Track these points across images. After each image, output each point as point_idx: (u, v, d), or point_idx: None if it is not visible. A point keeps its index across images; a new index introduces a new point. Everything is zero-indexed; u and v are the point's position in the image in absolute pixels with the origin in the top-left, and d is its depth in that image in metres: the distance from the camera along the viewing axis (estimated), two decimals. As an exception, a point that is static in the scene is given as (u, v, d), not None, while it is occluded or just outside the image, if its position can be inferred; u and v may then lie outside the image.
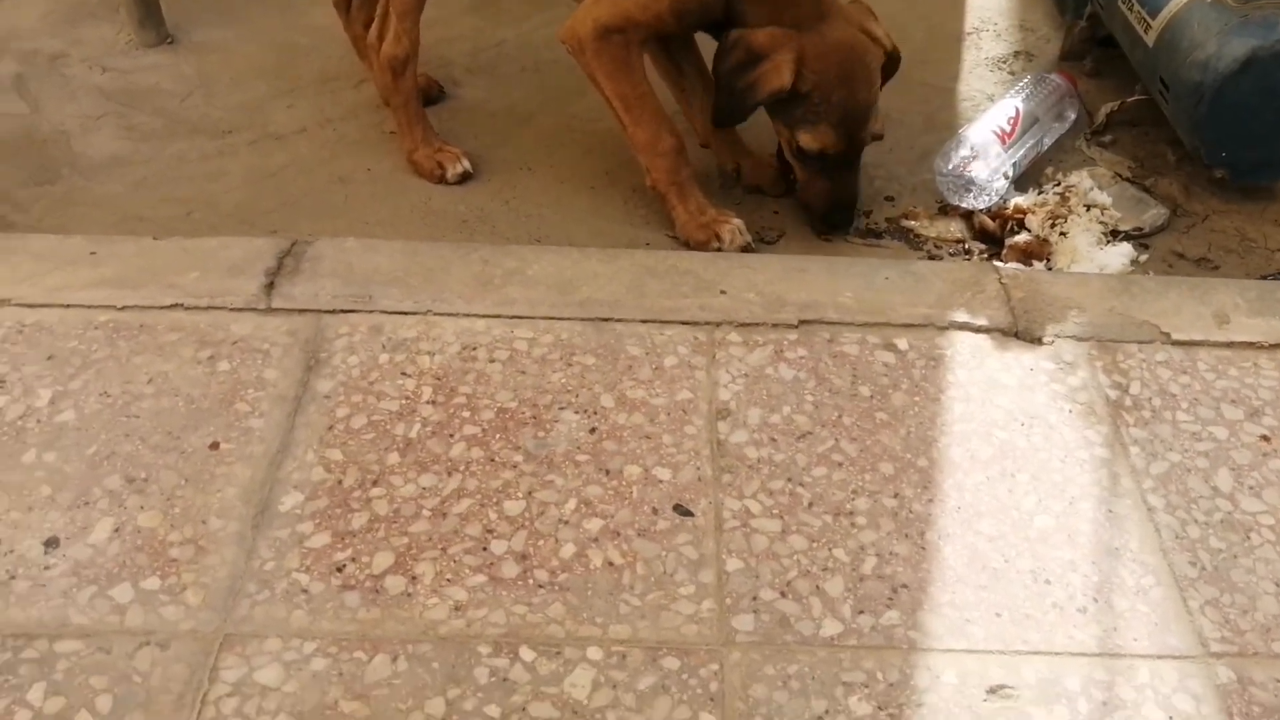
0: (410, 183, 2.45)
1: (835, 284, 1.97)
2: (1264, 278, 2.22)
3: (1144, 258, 2.32)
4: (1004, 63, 2.90)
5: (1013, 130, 2.43)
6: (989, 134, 2.39)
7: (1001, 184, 2.37)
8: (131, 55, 2.80)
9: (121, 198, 2.38)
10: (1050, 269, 2.26)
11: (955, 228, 2.37)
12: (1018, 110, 2.47)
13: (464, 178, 2.44)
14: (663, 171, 2.26)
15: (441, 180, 2.43)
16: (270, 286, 1.94)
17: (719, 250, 2.24)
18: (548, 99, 2.72)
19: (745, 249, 2.25)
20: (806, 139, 2.20)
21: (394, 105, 2.44)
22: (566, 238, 2.32)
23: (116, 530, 1.58)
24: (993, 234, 2.34)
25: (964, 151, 2.38)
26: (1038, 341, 1.89)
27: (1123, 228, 2.36)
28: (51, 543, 1.56)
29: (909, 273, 2.01)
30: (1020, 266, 2.24)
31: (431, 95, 2.64)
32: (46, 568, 1.52)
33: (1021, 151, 2.45)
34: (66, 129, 2.55)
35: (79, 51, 2.81)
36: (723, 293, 1.95)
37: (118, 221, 2.32)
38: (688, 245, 2.28)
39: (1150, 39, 2.47)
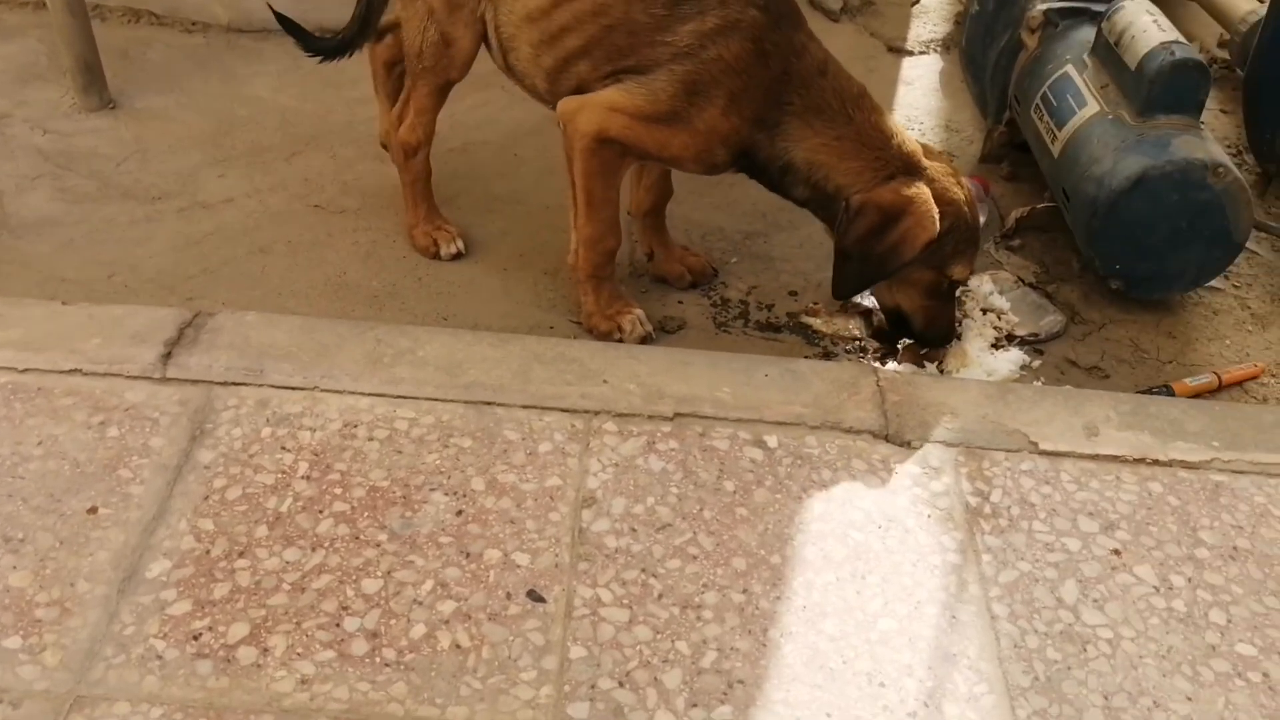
0: (326, 256, 2.52)
1: (716, 378, 2.03)
2: (1145, 391, 2.28)
3: (1037, 363, 2.38)
4: (925, 164, 2.98)
5: (917, 233, 2.50)
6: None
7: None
8: (73, 118, 2.88)
9: (48, 258, 2.44)
10: (942, 371, 2.31)
11: (854, 325, 2.43)
12: (924, 213, 2.54)
13: (456, 257, 2.52)
14: (591, 265, 2.32)
15: (435, 256, 2.52)
16: (168, 356, 1.99)
17: (620, 339, 2.31)
18: (472, 179, 2.79)
19: (645, 339, 2.32)
20: (961, 271, 2.21)
21: (403, 182, 2.53)
22: (474, 317, 2.38)
23: (-14, 589, 1.62)
24: (888, 329, 2.40)
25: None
26: (907, 445, 1.94)
27: (1019, 333, 2.42)
28: (-83, 598, 1.60)
29: (789, 371, 2.06)
30: (913, 367, 2.30)
31: None
32: (-91, 622, 1.56)
33: (926, 253, 2.52)
34: (1, 188, 2.62)
35: (23, 112, 2.89)
36: (605, 382, 2.00)
37: (41, 281, 2.37)
38: (590, 333, 2.34)
39: (1056, 150, 2.56)
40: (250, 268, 2.47)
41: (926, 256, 2.14)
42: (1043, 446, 1.96)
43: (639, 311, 2.34)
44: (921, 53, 3.47)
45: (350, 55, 2.61)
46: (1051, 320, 2.46)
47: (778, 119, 2.12)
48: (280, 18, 2.62)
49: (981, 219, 2.69)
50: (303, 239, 2.56)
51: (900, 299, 2.28)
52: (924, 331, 2.31)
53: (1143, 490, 1.90)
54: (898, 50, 3.46)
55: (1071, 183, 2.47)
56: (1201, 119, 2.42)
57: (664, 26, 2.11)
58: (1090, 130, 2.46)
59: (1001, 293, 2.49)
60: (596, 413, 1.95)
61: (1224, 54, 3.45)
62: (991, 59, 2.86)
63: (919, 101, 3.24)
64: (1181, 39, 2.41)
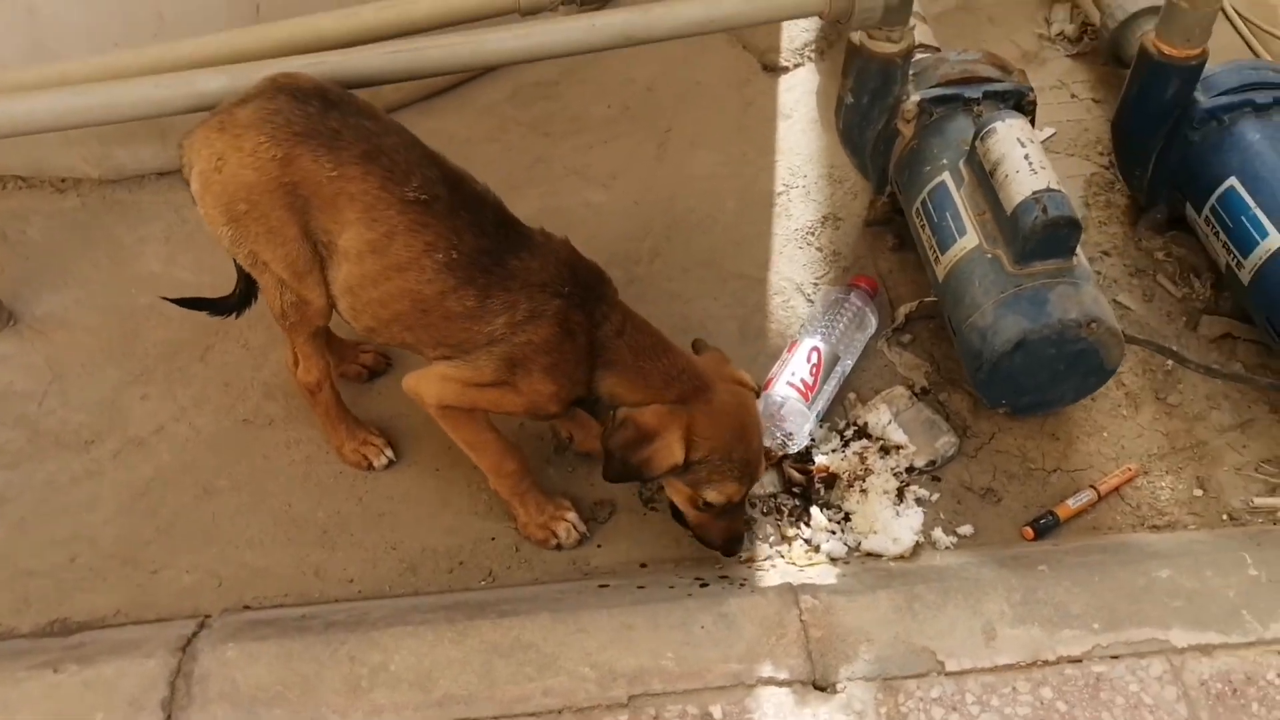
0: (268, 487, 2.62)
1: (658, 642, 2.24)
2: (1033, 523, 2.54)
3: (935, 496, 2.61)
4: (812, 234, 3.05)
5: (815, 380, 2.65)
6: (790, 390, 2.62)
7: (809, 427, 2.63)
8: (-24, 347, 2.80)
9: (4, 545, 2.50)
10: (851, 526, 2.55)
11: (768, 480, 2.63)
12: (819, 353, 2.68)
13: (389, 465, 2.68)
14: (506, 488, 2.54)
15: (369, 469, 2.68)
16: None
17: (558, 546, 2.56)
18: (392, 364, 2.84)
19: (580, 542, 2.57)
20: (713, 495, 2.35)
21: (317, 415, 2.65)
22: (420, 539, 2.55)
23: None
24: (801, 484, 2.62)
25: (768, 410, 2.62)
26: (832, 689, 2.21)
27: (918, 463, 2.64)
28: None
29: (721, 617, 2.29)
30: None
31: (378, 370, 2.84)
32: None
33: (827, 391, 2.69)
34: (-67, 466, 2.64)
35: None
36: (562, 669, 2.22)
37: (9, 579, 2.44)
38: (529, 541, 2.57)
39: (940, 273, 2.67)
40: (201, 518, 2.57)
41: (679, 475, 2.36)
42: (948, 666, 2.22)
43: (572, 515, 2.57)
44: (797, 65, 3.41)
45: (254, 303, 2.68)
46: (945, 442, 2.67)
47: (588, 375, 2.37)
48: (178, 301, 2.64)
49: (872, 322, 2.85)
50: (241, 469, 2.65)
51: (675, 499, 2.47)
52: (696, 535, 2.51)
53: (1036, 699, 2.20)
54: (772, 68, 3.39)
55: (956, 320, 2.60)
56: (1077, 253, 2.54)
57: (477, 316, 2.31)
58: (971, 267, 2.57)
59: (898, 415, 2.68)
60: (559, 712, 2.20)
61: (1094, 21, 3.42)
62: (869, 141, 2.88)
63: (800, 144, 3.24)
64: (1054, 184, 2.48)
